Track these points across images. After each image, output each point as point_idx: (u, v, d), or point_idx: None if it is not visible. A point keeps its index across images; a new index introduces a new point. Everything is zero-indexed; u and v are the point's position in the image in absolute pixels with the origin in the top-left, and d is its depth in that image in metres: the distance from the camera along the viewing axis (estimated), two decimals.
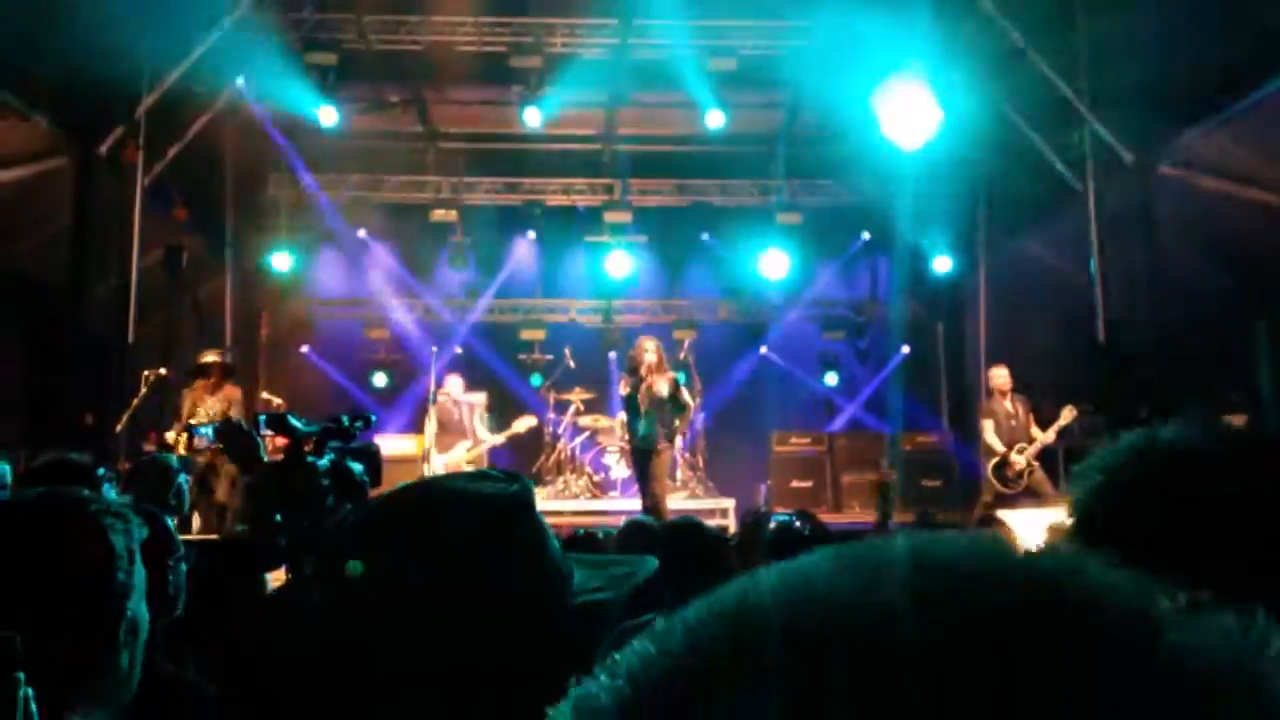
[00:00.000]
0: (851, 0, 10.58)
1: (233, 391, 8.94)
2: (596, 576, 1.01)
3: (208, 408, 8.71)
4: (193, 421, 8.46)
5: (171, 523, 3.33)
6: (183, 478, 4.35)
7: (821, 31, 10.91)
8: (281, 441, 2.79)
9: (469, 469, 10.24)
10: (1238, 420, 8.03)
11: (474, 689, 0.89)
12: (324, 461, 2.40)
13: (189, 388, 8.89)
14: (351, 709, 0.90)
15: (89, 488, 3.36)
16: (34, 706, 1.11)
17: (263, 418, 2.81)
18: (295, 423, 2.65)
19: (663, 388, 8.59)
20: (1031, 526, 5.63)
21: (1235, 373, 8.76)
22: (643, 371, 8.57)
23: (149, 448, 8.81)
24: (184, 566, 2.75)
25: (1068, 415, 8.99)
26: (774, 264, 13.25)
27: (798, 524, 4.50)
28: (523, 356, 13.10)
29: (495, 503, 0.97)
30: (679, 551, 3.47)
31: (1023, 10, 9.93)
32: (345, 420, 2.74)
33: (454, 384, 10.58)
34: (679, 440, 9.56)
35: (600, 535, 4.67)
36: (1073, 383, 10.03)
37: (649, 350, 8.62)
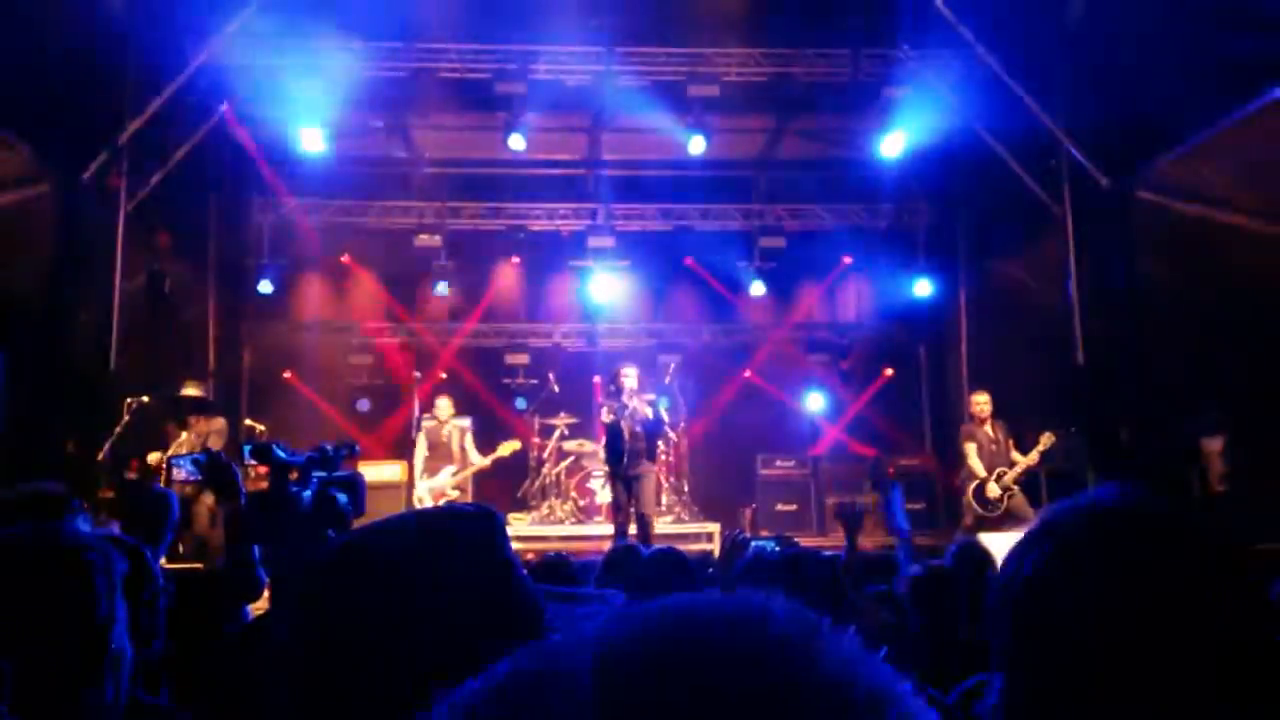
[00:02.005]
0: (832, 26, 10.73)
1: (214, 423, 8.93)
2: (569, 611, 1.03)
3: (189, 440, 8.70)
4: (173, 453, 8.47)
5: (159, 555, 3.32)
6: (174, 509, 4.32)
7: (802, 58, 11.04)
8: (265, 471, 2.80)
9: (454, 494, 10.26)
10: (1215, 442, 8.12)
11: None
12: (307, 491, 2.41)
13: (173, 420, 8.88)
14: None
15: (64, 518, 3.34)
16: None
17: (247, 447, 2.82)
18: (279, 452, 2.66)
19: (647, 410, 8.70)
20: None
21: (1213, 393, 8.84)
22: (624, 398, 8.67)
23: (131, 475, 8.79)
24: (163, 600, 2.75)
25: (1046, 441, 9.11)
26: (757, 288, 13.34)
27: (776, 550, 4.52)
28: (507, 381, 13.11)
29: (468, 537, 0.99)
30: (659, 585, 3.49)
31: (1000, 37, 10.07)
32: (329, 449, 2.75)
33: (443, 406, 10.57)
34: (659, 459, 9.60)
35: (572, 562, 4.67)
36: (1052, 405, 10.11)
37: (629, 376, 8.74)
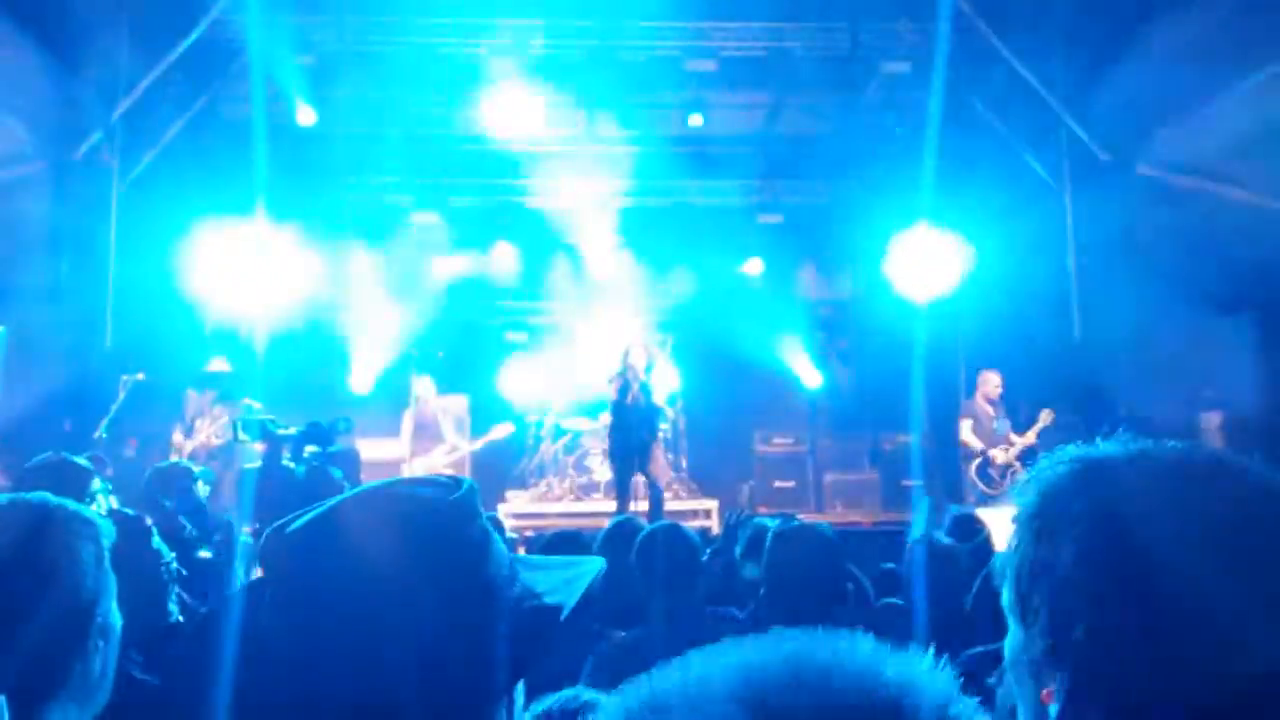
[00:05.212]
0: (831, 1, 10.65)
1: (237, 407, 8.93)
2: (545, 580, 1.01)
3: (215, 416, 8.69)
4: (200, 437, 8.47)
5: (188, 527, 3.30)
6: (200, 486, 4.30)
7: (801, 32, 10.95)
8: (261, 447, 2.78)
9: (448, 472, 10.27)
10: (1214, 417, 8.13)
11: (414, 692, 0.89)
12: (301, 466, 2.39)
13: (197, 393, 8.85)
14: (295, 714, 0.90)
15: (84, 491, 3.33)
16: (6, 715, 1.11)
17: (240, 422, 2.80)
18: (273, 428, 2.64)
19: (654, 391, 8.70)
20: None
21: (1211, 369, 8.84)
22: (629, 376, 8.64)
23: (129, 453, 8.78)
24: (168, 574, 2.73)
25: (1046, 418, 9.12)
26: (755, 264, 13.30)
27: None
28: (505, 359, 13.07)
29: (436, 507, 0.97)
30: (658, 559, 3.48)
31: (999, 10, 9.99)
32: (323, 424, 2.72)
33: (425, 386, 10.57)
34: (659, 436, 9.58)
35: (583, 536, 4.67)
36: (1050, 381, 10.11)
37: (636, 353, 8.72)
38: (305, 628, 0.91)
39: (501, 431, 10.38)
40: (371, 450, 11.12)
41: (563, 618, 0.98)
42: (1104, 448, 0.93)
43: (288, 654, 0.90)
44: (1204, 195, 9.12)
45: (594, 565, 1.08)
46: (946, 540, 4.31)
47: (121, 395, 8.56)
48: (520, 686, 1.02)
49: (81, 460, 3.65)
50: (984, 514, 5.98)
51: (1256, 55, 7.74)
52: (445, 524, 0.97)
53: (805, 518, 8.75)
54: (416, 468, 10.22)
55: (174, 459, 8.20)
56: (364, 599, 0.91)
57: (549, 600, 0.98)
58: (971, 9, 9.99)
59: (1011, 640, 0.92)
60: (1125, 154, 9.61)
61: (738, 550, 4.55)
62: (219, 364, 9.10)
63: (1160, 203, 9.50)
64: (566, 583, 1.02)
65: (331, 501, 1.01)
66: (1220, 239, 9.15)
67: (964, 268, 12.25)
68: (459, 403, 10.95)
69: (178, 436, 8.76)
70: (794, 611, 2.50)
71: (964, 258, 12.23)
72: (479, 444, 10.40)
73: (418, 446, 10.31)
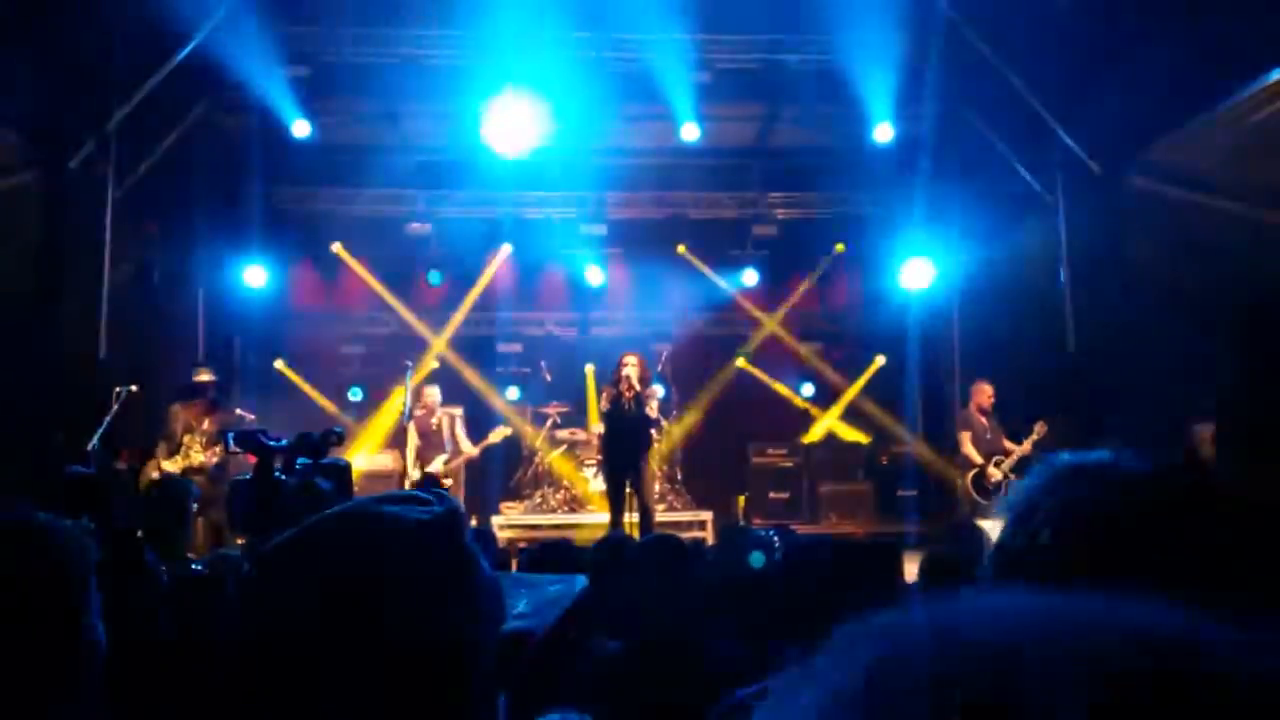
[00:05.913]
0: (825, 14, 10.68)
1: (227, 416, 8.88)
2: (529, 599, 1.00)
3: (203, 430, 8.65)
4: (190, 445, 8.43)
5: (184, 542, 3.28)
6: (193, 503, 4.29)
7: (798, 46, 10.98)
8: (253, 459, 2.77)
9: (446, 482, 10.24)
10: (1206, 429, 8.12)
11: (384, 712, 0.88)
12: (293, 479, 2.38)
13: (183, 407, 8.79)
14: None
15: (109, 506, 3.33)
16: None
17: (231, 434, 2.79)
18: (264, 439, 2.62)
19: (648, 402, 8.67)
20: None
21: (1205, 379, 8.84)
22: (623, 387, 8.63)
23: (121, 466, 8.74)
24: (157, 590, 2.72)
25: (1040, 430, 9.14)
26: (749, 276, 13.31)
27: (775, 538, 4.52)
28: (499, 370, 13.06)
29: (407, 527, 0.96)
30: (652, 570, 3.46)
31: (992, 22, 10.02)
32: (315, 436, 2.71)
33: (431, 395, 10.56)
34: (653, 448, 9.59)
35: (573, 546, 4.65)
36: (1044, 392, 10.12)
37: (630, 365, 8.70)
38: (277, 646, 0.90)
39: (499, 435, 10.38)
40: (367, 461, 11.10)
41: (535, 641, 0.97)
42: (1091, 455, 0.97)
43: (261, 672, 0.89)
44: (1196, 207, 9.14)
45: (575, 584, 1.07)
46: (948, 549, 4.31)
47: (115, 407, 8.51)
48: (501, 704, 1.01)
49: (100, 477, 3.64)
50: (982, 524, 5.99)
51: (1249, 67, 7.77)
52: (416, 544, 0.95)
53: (800, 529, 8.77)
54: (416, 478, 10.21)
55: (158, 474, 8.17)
56: (333, 618, 0.90)
57: (525, 623, 0.98)
58: (964, 21, 10.02)
59: None
60: (1118, 166, 9.64)
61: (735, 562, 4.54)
62: (204, 374, 8.99)
63: (1153, 214, 9.52)
64: (549, 603, 1.01)
65: (308, 522, 1.00)
66: (1213, 250, 9.17)
67: (957, 279, 12.29)
68: (455, 413, 10.93)
69: (161, 453, 8.71)
70: (798, 622, 2.49)
71: (957, 269, 12.27)
72: (478, 450, 10.38)
73: (419, 457, 10.30)
